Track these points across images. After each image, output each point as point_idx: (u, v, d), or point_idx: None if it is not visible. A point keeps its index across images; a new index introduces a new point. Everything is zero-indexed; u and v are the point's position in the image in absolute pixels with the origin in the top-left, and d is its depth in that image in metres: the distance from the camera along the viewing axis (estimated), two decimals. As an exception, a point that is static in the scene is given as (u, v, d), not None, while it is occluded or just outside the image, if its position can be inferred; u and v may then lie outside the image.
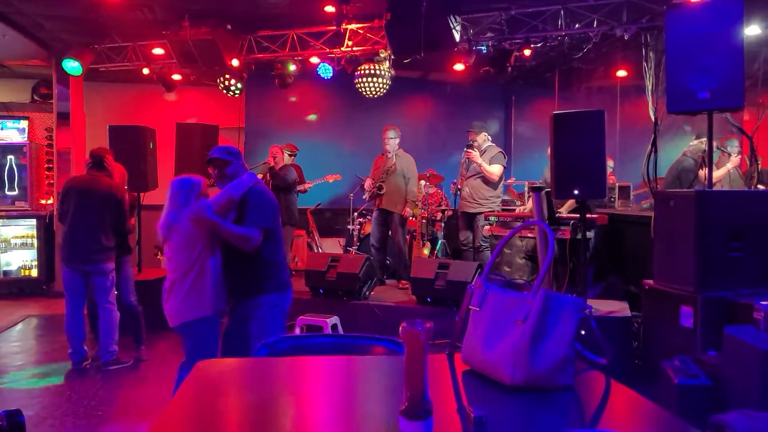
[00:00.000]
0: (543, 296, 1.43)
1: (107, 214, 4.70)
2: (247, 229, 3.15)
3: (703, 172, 4.46)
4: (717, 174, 5.48)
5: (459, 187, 6.50)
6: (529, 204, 6.08)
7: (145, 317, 5.03)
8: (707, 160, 4.08)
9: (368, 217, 7.53)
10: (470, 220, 6.35)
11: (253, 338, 3.17)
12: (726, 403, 2.78)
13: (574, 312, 1.44)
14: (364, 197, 6.87)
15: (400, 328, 1.12)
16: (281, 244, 3.42)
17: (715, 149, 4.62)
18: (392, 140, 6.58)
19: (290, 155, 7.48)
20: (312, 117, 9.30)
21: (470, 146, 6.21)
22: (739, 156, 5.76)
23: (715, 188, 5.30)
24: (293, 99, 9.12)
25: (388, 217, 6.62)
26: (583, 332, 1.45)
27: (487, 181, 6.23)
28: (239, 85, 7.65)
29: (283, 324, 3.34)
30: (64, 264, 4.74)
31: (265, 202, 3.28)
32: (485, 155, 6.26)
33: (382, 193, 6.57)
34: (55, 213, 7.97)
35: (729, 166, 5.75)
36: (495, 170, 6.20)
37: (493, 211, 5.96)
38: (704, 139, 4.44)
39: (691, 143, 5.75)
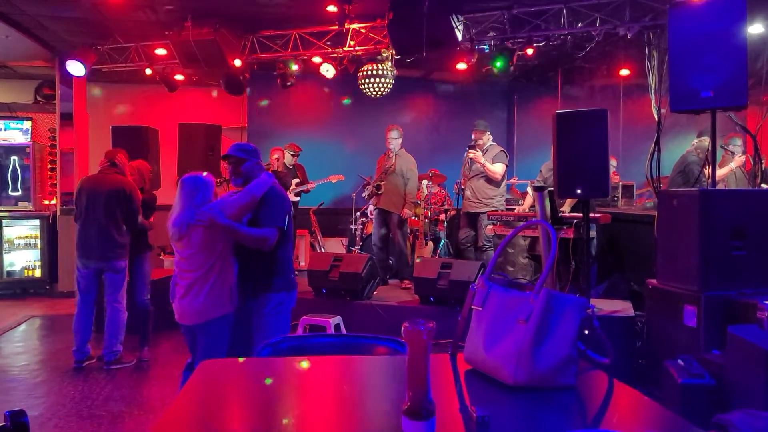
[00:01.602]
0: (545, 296, 1.42)
1: (117, 209, 4.70)
2: (263, 229, 3.18)
3: (707, 171, 4.45)
4: (720, 173, 5.46)
5: (462, 186, 6.49)
6: (527, 203, 6.07)
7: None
8: (710, 158, 4.06)
9: (371, 217, 7.53)
10: (473, 219, 6.35)
11: (255, 336, 3.20)
12: (729, 402, 2.77)
13: (577, 311, 1.44)
14: (363, 195, 6.87)
15: (402, 328, 1.12)
16: (291, 245, 3.45)
17: (718, 148, 4.61)
18: (394, 140, 6.57)
19: (293, 155, 7.47)
20: (314, 117, 9.30)
21: (472, 146, 6.21)
22: (743, 155, 5.74)
23: (721, 188, 5.30)
24: (295, 99, 9.13)
25: (387, 217, 6.62)
26: (586, 332, 1.44)
27: (490, 180, 6.23)
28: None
29: (287, 323, 3.35)
30: (78, 261, 4.78)
31: (282, 202, 3.31)
32: (487, 154, 6.26)
33: (380, 192, 6.57)
34: (59, 213, 8.01)
35: (732, 165, 5.74)
36: (497, 169, 6.19)
37: (496, 211, 5.96)
38: (706, 138, 4.43)
39: (694, 141, 5.74)
